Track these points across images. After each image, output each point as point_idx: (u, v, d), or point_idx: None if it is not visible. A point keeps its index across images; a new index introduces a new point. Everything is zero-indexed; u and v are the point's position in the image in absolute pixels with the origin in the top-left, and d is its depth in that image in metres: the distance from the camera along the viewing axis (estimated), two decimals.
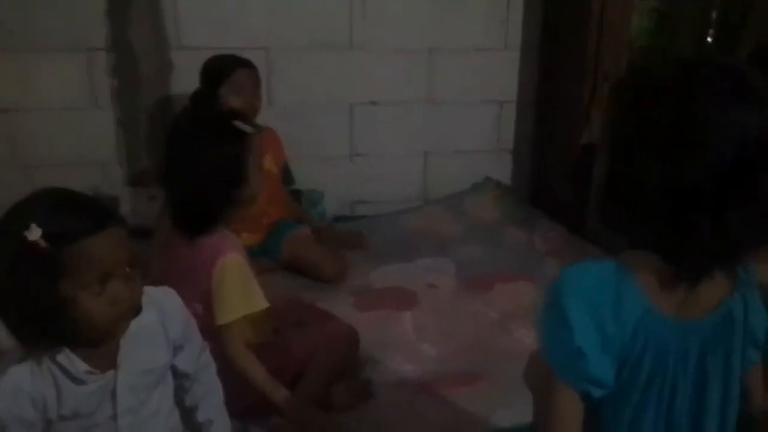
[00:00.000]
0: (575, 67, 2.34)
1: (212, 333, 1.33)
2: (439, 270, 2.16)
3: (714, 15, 2.66)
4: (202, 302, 1.36)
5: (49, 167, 2.45)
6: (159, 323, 1.09)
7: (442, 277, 2.11)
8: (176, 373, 1.16)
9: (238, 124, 1.35)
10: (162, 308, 1.10)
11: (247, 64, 2.05)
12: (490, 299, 1.96)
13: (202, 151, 1.33)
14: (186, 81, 2.20)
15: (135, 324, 1.02)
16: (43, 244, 0.88)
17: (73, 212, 0.93)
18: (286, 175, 2.33)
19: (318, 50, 2.50)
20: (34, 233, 0.87)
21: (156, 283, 1.16)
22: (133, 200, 2.51)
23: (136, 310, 1.00)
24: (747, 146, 0.71)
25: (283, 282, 2.05)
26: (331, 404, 1.47)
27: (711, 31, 2.66)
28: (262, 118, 2.19)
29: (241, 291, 1.35)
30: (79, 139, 2.45)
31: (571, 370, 0.78)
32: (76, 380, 0.99)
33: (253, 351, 1.38)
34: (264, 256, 2.14)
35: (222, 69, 2.04)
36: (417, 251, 2.28)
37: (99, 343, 0.99)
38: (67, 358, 0.98)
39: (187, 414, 1.21)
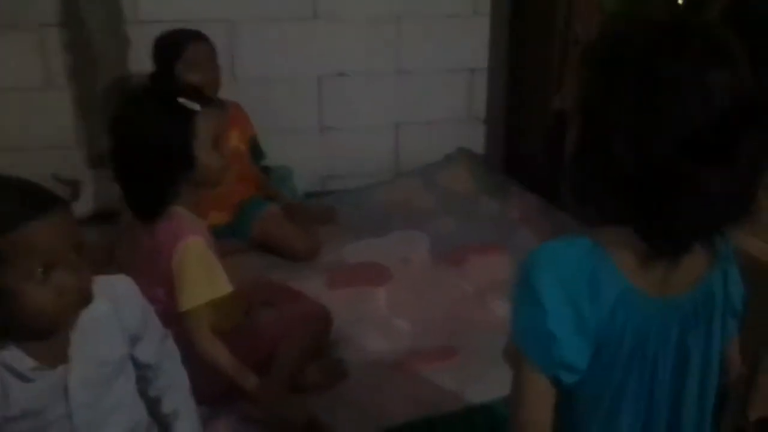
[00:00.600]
0: (546, 32, 2.29)
1: (176, 319, 1.28)
2: (412, 244, 2.12)
3: None
4: (164, 287, 1.32)
5: (5, 152, 2.35)
6: (112, 313, 1.03)
7: (415, 251, 2.07)
8: (137, 364, 1.12)
9: (184, 101, 1.28)
10: (115, 297, 1.05)
11: (198, 37, 1.97)
12: (465, 272, 1.93)
13: (145, 131, 1.26)
14: (145, 57, 2.10)
15: (86, 315, 0.97)
16: None
17: (10, 198, 0.87)
18: (256, 151, 2.26)
19: (282, 21, 2.41)
20: None
21: (120, 268, 1.11)
22: (96, 183, 2.42)
23: (86, 299, 0.95)
24: (719, 107, 0.68)
25: (254, 262, 2.01)
26: (304, 385, 1.44)
27: None
28: (228, 93, 2.11)
29: (203, 276, 1.30)
30: (36, 121, 2.35)
31: (542, 353, 0.74)
32: (23, 377, 0.94)
33: (223, 335, 1.34)
34: (233, 236, 2.09)
35: (173, 46, 1.95)
36: (390, 225, 2.24)
37: (46, 336, 0.94)
38: (11, 354, 0.92)
39: (152, 405, 1.17)
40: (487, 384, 1.41)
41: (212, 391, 1.38)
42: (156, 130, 1.27)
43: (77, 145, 2.42)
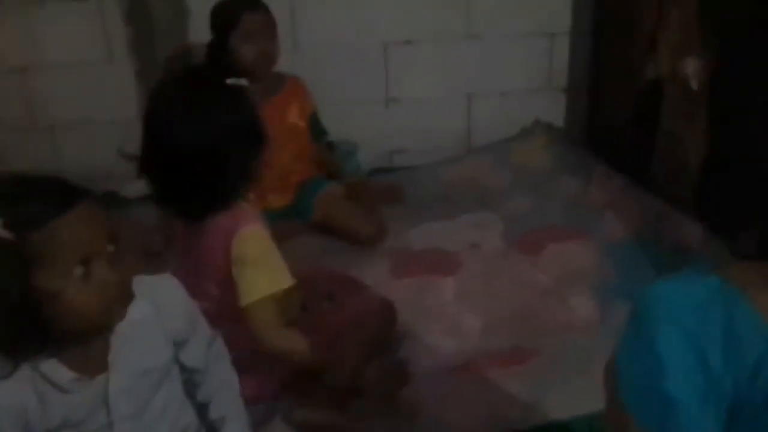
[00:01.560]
0: None
1: (232, 316, 1.20)
2: (483, 227, 1.96)
3: None
4: (217, 283, 1.23)
5: (69, 128, 2.35)
6: (155, 316, 0.96)
7: (487, 236, 1.91)
8: (184, 367, 1.04)
9: (233, 81, 1.18)
10: (158, 299, 0.97)
11: (254, 6, 1.84)
12: (542, 261, 1.76)
13: (214, 116, 1.15)
14: (205, 26, 2.01)
15: (126, 318, 0.89)
16: (6, 234, 0.77)
17: (34, 196, 0.81)
18: (317, 128, 2.14)
19: None
20: None
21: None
22: None
23: (129, 295, 0.87)
24: None
25: (314, 245, 1.91)
26: (362, 388, 1.33)
27: None
28: (288, 62, 2.00)
29: (264, 267, 1.20)
30: (97, 95, 2.32)
31: (657, 420, 0.58)
32: (62, 389, 0.88)
33: None
34: (295, 217, 2.00)
35: (228, 17, 1.84)
36: (460, 206, 2.09)
37: (88, 341, 0.87)
38: (49, 365, 0.86)
39: (200, 409, 1.09)
40: (567, 396, 1.26)
41: (265, 391, 1.29)
42: (227, 113, 1.16)
43: (141, 118, 2.37)
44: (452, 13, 2.34)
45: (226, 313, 1.19)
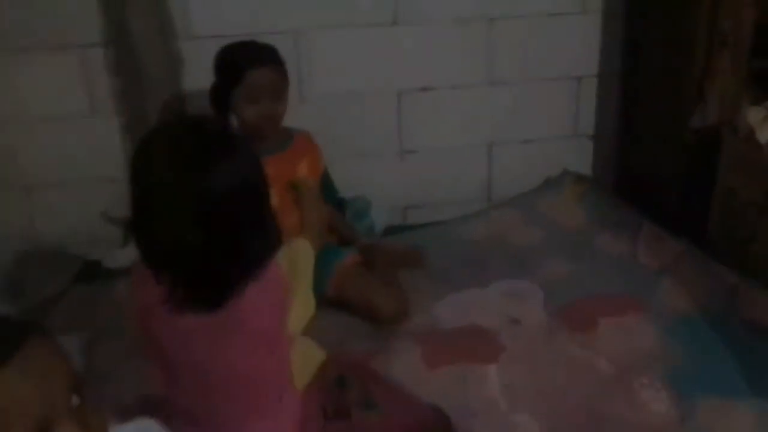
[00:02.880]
0: (680, 30, 1.85)
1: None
2: (521, 297, 1.73)
3: None
4: (258, 350, 1.00)
5: (50, 187, 2.10)
6: None
7: (526, 309, 1.68)
8: None
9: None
10: None
11: (261, 62, 1.61)
12: (596, 341, 1.53)
13: (231, 177, 0.93)
14: (200, 76, 1.79)
15: None
16: None
17: None
18: (327, 187, 1.91)
19: (356, 29, 2.05)
20: None
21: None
22: None
23: None
24: None
25: (329, 324, 1.65)
26: None
27: None
28: (293, 116, 1.78)
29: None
30: (79, 152, 2.08)
31: None
32: None
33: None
34: None
35: (231, 72, 1.62)
36: (489, 270, 1.86)
37: None
38: None
39: None
40: None
41: None
42: (244, 171, 0.95)
43: (127, 177, 2.13)
44: (472, 57, 2.14)
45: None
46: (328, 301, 1.71)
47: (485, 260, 1.93)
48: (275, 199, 1.67)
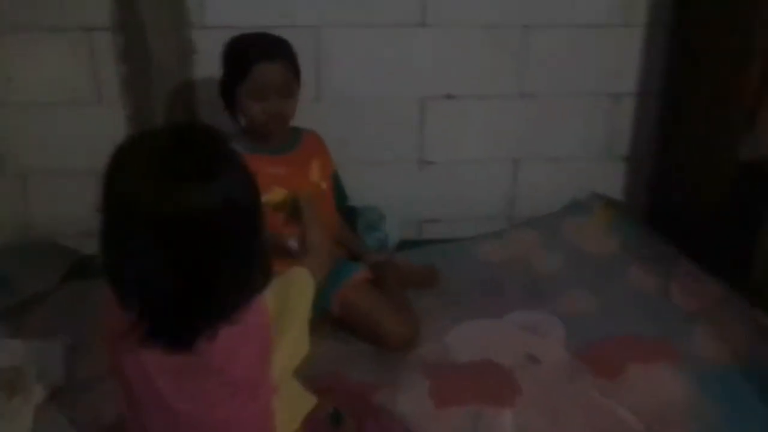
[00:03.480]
0: (728, 48, 1.70)
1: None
2: (540, 332, 1.59)
3: None
4: (234, 398, 0.87)
5: (46, 175, 1.98)
6: None
7: (546, 345, 1.54)
8: None
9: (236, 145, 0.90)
10: None
11: (270, 56, 1.48)
12: (622, 389, 1.38)
13: (233, 192, 0.80)
14: (212, 67, 1.68)
15: None
16: None
17: None
18: (337, 192, 1.78)
19: (379, 29, 1.92)
20: None
21: None
22: None
23: None
24: None
25: (331, 347, 1.53)
26: None
27: None
28: (309, 115, 1.65)
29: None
30: (85, 141, 1.96)
31: None
32: None
33: None
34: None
35: (237, 64, 1.50)
36: (507, 299, 1.72)
37: None
38: None
39: None
40: None
41: None
42: (241, 188, 0.82)
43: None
44: (503, 66, 2.00)
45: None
46: (331, 317, 1.58)
47: (502, 285, 1.80)
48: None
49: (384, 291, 1.66)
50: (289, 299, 0.93)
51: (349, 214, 1.91)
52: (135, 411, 0.90)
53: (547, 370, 1.46)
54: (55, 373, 1.42)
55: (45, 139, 1.94)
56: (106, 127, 1.94)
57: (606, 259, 1.88)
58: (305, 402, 1.04)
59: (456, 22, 1.94)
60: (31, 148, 1.95)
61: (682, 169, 1.93)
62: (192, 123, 1.31)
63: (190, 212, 0.76)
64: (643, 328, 1.57)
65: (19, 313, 1.64)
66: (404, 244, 2.00)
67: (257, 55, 1.47)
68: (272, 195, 1.52)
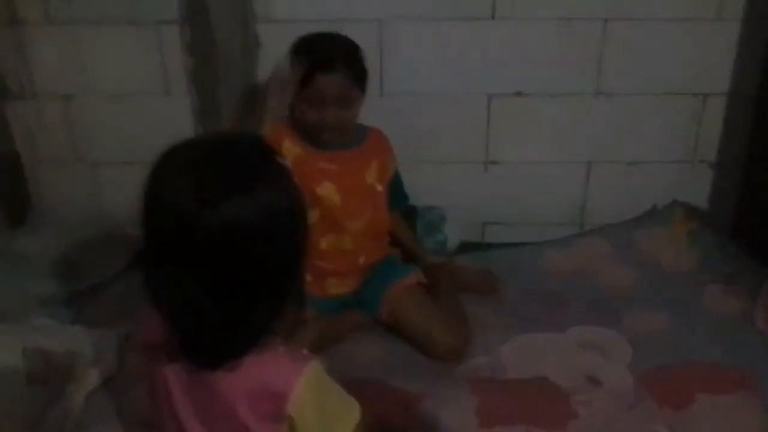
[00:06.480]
0: None
1: None
2: (604, 351, 1.48)
3: None
4: None
5: (117, 165, 2.04)
6: None
7: (609, 367, 1.43)
8: None
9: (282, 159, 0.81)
10: None
11: (331, 68, 1.44)
12: (689, 421, 1.26)
13: (273, 204, 0.77)
14: (276, 60, 1.67)
15: None
16: None
17: None
18: (398, 192, 1.73)
19: (448, 21, 1.84)
20: None
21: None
22: None
23: None
24: None
25: (377, 352, 1.49)
26: None
27: None
28: (371, 108, 1.60)
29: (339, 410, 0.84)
30: (153, 131, 2.00)
31: None
32: None
33: None
34: (360, 308, 1.59)
35: (299, 67, 1.46)
36: (569, 313, 1.62)
37: None
38: None
39: None
40: None
41: None
42: (285, 202, 0.79)
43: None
44: (578, 63, 1.88)
45: None
46: (381, 319, 1.54)
47: (565, 297, 1.69)
48: (336, 198, 1.53)
49: (437, 296, 1.60)
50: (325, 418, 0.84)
51: (408, 214, 1.85)
52: (157, 419, 0.89)
53: (607, 394, 1.35)
54: (109, 361, 1.45)
55: (116, 129, 1.99)
56: (174, 119, 1.97)
57: (683, 275, 1.73)
58: None
59: (528, 15, 1.83)
60: (102, 138, 2.01)
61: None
62: (238, 133, 1.28)
63: (230, 225, 0.73)
64: (720, 356, 1.43)
65: (83, 299, 1.69)
66: (465, 247, 1.93)
67: (317, 64, 1.43)
68: (321, 189, 1.50)
